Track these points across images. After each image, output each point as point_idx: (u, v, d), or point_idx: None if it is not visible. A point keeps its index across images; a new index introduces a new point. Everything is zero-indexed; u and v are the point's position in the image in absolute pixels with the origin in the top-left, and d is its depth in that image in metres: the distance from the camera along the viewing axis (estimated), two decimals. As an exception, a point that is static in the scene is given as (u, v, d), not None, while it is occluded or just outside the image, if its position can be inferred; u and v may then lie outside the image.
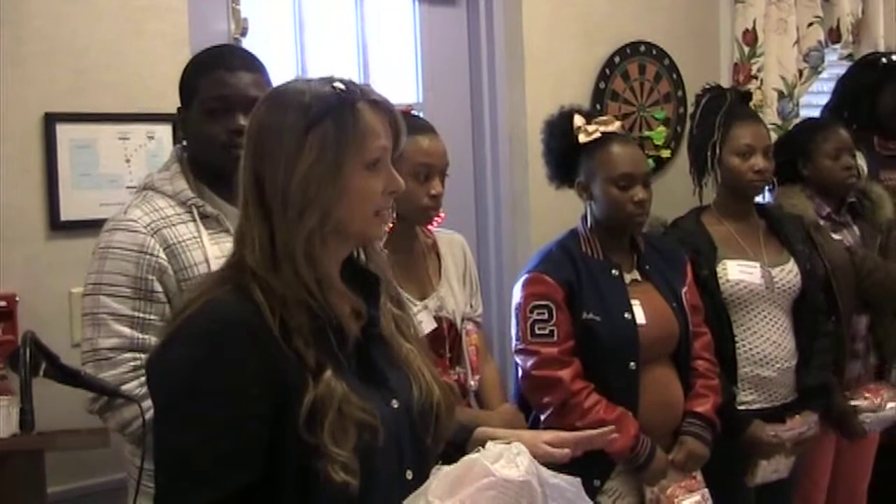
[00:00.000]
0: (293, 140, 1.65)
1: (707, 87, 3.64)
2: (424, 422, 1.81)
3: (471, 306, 2.96)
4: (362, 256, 1.86)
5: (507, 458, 1.89)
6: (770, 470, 3.33)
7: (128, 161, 3.07)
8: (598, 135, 3.02)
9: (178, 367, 1.63)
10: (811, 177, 3.68)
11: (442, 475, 1.76)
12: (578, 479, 2.01)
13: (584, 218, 3.08)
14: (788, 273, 3.40)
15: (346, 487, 1.59)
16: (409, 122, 2.79)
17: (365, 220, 1.73)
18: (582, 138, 3.03)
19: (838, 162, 3.64)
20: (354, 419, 1.62)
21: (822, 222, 3.64)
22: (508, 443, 1.88)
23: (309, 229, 1.64)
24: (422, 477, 1.74)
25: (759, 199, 3.60)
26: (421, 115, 3.73)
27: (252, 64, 2.49)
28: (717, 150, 3.42)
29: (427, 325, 2.80)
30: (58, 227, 2.98)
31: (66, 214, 2.98)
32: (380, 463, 1.68)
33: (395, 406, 1.75)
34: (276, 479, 1.62)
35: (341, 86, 1.70)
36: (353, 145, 1.67)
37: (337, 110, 1.66)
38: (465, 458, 1.82)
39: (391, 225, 2.81)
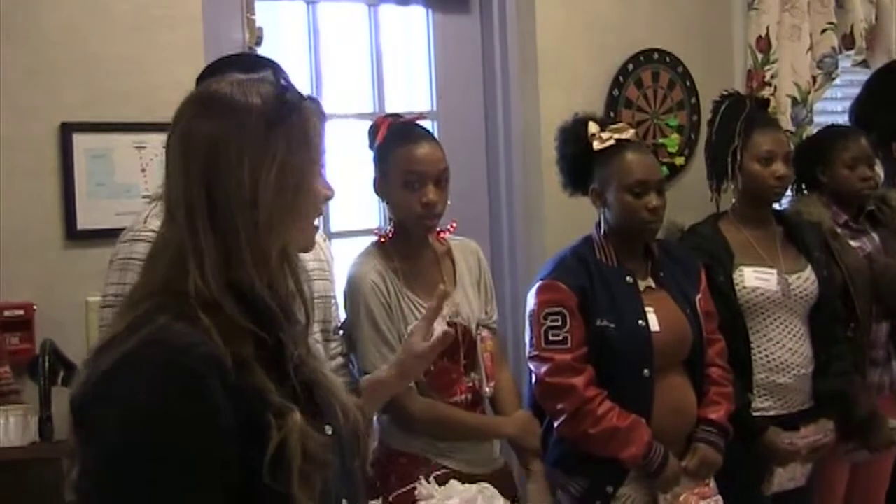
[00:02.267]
0: (256, 144, 1.51)
1: (725, 93, 3.63)
2: (351, 446, 1.70)
3: (486, 313, 2.97)
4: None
5: (482, 501, 1.90)
6: (786, 478, 3.32)
7: (143, 170, 3.09)
8: (612, 142, 3.03)
9: (134, 403, 1.41)
10: (828, 184, 3.67)
11: None
12: None
13: (598, 225, 3.09)
14: (805, 280, 3.40)
15: None
16: (405, 133, 2.85)
17: (310, 228, 1.63)
18: (596, 145, 3.03)
19: (855, 172, 3.63)
20: (318, 461, 1.49)
21: (839, 230, 3.63)
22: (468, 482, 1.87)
23: (283, 238, 1.53)
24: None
25: (775, 205, 3.60)
26: (435, 123, 3.76)
27: None
28: (739, 157, 3.42)
29: (441, 331, 2.81)
30: (74, 236, 3.00)
31: (82, 224, 3.01)
32: (327, 497, 1.55)
33: (329, 432, 1.61)
34: None
35: (286, 84, 1.61)
36: (313, 144, 1.58)
37: (295, 108, 1.56)
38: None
39: (390, 235, 2.84)
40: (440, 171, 2.80)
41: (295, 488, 1.45)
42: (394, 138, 2.83)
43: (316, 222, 1.65)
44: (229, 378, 1.44)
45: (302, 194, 1.55)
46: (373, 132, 2.90)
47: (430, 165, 2.78)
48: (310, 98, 1.63)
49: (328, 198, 1.65)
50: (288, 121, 1.54)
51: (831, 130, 3.90)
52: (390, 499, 2.28)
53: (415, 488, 1.89)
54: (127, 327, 1.48)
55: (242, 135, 1.51)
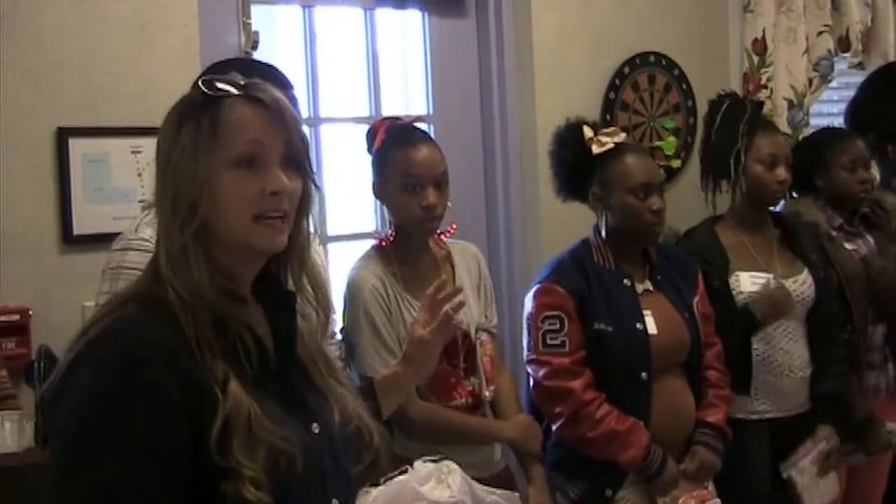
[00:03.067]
0: (168, 143, 1.59)
1: (723, 93, 3.62)
2: (348, 449, 1.72)
3: (486, 317, 2.97)
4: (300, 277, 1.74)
5: (437, 478, 1.88)
6: (816, 496, 3.33)
7: (140, 175, 3.08)
8: (611, 145, 3.03)
9: (89, 394, 1.47)
10: (826, 187, 3.66)
11: (369, 501, 1.72)
12: (516, 494, 2.00)
13: (597, 228, 3.08)
14: (802, 284, 3.40)
15: None
16: (403, 136, 2.85)
17: (242, 225, 1.59)
18: (595, 149, 3.03)
19: (854, 175, 3.63)
20: (265, 442, 1.50)
21: (834, 233, 3.63)
22: (437, 461, 1.86)
23: (179, 229, 1.56)
24: None
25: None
26: (432, 126, 3.75)
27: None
28: (742, 159, 3.41)
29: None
30: (70, 241, 2.99)
31: (78, 228, 3.00)
32: (299, 491, 1.56)
33: (316, 431, 1.64)
34: None
35: (205, 86, 1.62)
36: (213, 141, 1.57)
37: (198, 109, 1.60)
38: (395, 482, 1.78)
39: (391, 239, 2.83)
40: (439, 174, 2.79)
41: (236, 452, 1.47)
42: (392, 142, 2.83)
43: (273, 216, 1.61)
44: (181, 363, 1.49)
45: (197, 187, 1.57)
46: (370, 136, 2.89)
47: (428, 168, 2.78)
48: (251, 95, 1.63)
49: (271, 192, 1.60)
50: (187, 124, 1.59)
51: (828, 132, 3.89)
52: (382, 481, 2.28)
53: (405, 471, 1.90)
54: (94, 320, 1.54)
55: (164, 133, 1.62)
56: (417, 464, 1.97)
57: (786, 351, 3.36)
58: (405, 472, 2.05)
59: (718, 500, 3.05)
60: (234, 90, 1.62)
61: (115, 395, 1.46)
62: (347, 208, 3.68)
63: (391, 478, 1.92)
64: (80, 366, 1.50)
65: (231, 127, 1.59)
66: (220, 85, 1.62)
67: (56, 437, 1.52)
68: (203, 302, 1.55)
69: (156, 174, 1.63)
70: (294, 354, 1.69)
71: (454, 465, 1.90)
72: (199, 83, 1.62)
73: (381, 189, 2.85)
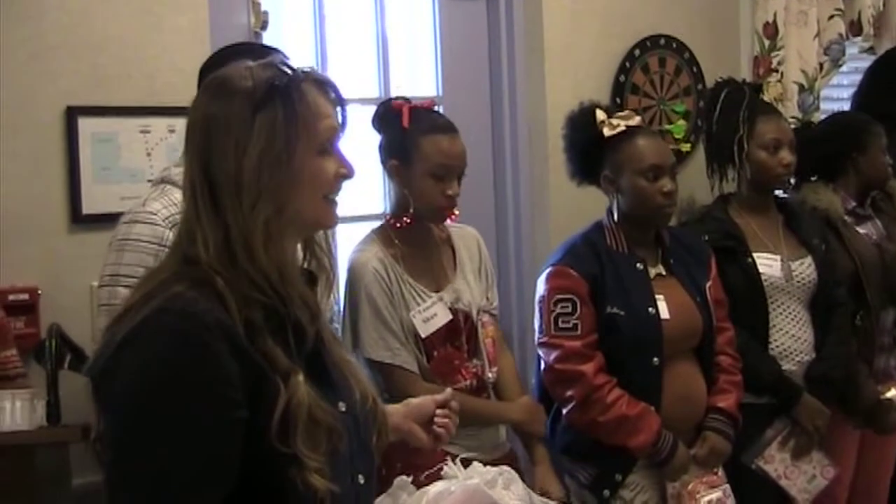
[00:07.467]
0: (241, 127, 1.55)
1: (721, 80, 3.60)
2: (367, 425, 1.75)
3: (487, 299, 2.96)
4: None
5: (502, 483, 1.90)
6: (803, 480, 3.32)
7: (149, 154, 3.09)
8: (622, 128, 3.01)
9: (147, 370, 1.47)
10: (861, 169, 3.64)
11: (435, 499, 1.72)
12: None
13: (610, 211, 3.06)
14: (808, 267, 3.40)
15: (328, 493, 1.51)
16: (432, 121, 2.83)
17: (316, 205, 1.63)
18: (606, 132, 3.01)
19: (885, 157, 3.63)
20: (325, 425, 1.54)
21: (847, 217, 3.61)
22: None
23: (265, 218, 1.54)
24: (371, 481, 1.71)
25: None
26: (441, 109, 3.73)
27: None
28: (745, 145, 3.40)
29: (442, 317, 2.81)
30: (79, 220, 3.00)
31: (87, 208, 3.00)
32: (341, 468, 1.60)
33: (343, 409, 1.66)
34: (248, 491, 1.52)
35: (284, 67, 1.61)
36: (303, 127, 1.58)
37: (283, 92, 1.57)
38: (462, 484, 1.79)
39: (408, 221, 2.81)
40: (464, 167, 2.81)
41: (300, 444, 1.50)
42: (426, 126, 2.79)
43: (336, 198, 1.67)
44: (239, 343, 1.49)
45: (289, 175, 1.57)
46: (393, 115, 2.81)
47: (457, 160, 2.79)
48: (316, 79, 1.65)
49: (344, 176, 1.66)
50: (275, 103, 1.57)
51: (858, 115, 3.87)
52: (422, 478, 2.29)
53: (441, 468, 1.91)
54: (143, 296, 1.53)
55: (230, 117, 1.57)
56: (477, 466, 1.98)
57: (792, 335, 3.36)
58: (441, 468, 2.06)
59: (728, 485, 3.04)
60: (301, 73, 1.62)
61: (176, 372, 1.47)
62: (353, 189, 3.66)
63: (433, 474, 1.93)
64: (136, 342, 1.49)
65: (316, 113, 1.61)
66: (295, 68, 1.62)
67: (112, 413, 1.50)
68: (287, 286, 1.57)
69: (210, 161, 1.56)
70: (319, 331, 1.69)
71: (514, 473, 1.93)
72: (280, 67, 1.61)
73: (402, 171, 2.80)
